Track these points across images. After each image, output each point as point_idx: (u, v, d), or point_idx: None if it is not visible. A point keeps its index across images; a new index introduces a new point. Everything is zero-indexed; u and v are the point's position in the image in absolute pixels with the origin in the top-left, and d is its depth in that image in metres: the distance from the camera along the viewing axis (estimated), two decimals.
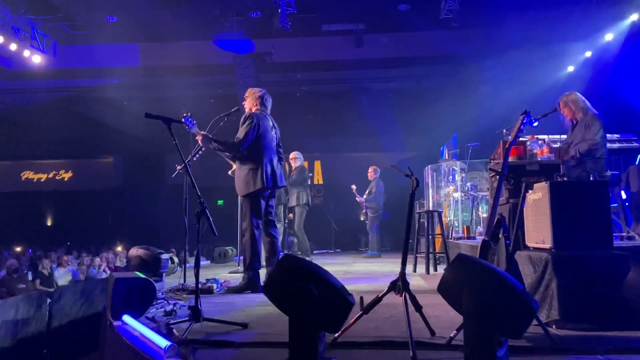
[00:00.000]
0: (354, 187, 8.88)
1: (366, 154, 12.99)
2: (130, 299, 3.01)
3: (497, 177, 3.83)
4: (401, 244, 9.69)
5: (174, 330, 2.61)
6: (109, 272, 8.50)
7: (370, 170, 8.88)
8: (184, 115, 3.98)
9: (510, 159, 3.32)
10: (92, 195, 14.64)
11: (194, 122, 4.07)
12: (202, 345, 2.40)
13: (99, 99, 11.02)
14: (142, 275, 3.20)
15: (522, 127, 2.55)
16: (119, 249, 10.41)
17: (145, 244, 4.00)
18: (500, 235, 2.66)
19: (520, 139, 3.16)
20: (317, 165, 13.83)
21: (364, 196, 8.67)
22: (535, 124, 2.60)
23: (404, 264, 2.51)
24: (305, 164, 7.38)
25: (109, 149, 14.38)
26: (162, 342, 2.28)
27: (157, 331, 2.51)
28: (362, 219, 8.99)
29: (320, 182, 13.44)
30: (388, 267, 6.65)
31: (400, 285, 2.42)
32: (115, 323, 2.91)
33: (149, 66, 9.98)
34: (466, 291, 1.64)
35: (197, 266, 2.75)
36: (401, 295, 2.42)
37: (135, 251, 3.70)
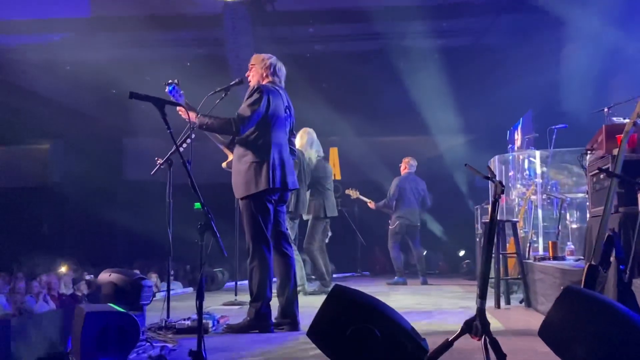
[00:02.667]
0: (354, 192, 8.98)
1: (403, 139, 13.04)
2: (105, 341, 3.16)
3: (602, 176, 3.92)
4: (454, 265, 9.96)
5: None
6: (51, 302, 8.68)
7: (402, 163, 8.97)
8: (169, 82, 4.07)
9: None
10: (20, 195, 14.82)
11: (182, 92, 4.17)
12: None
13: (31, 62, 11.17)
14: (120, 309, 3.34)
15: None
16: (63, 269, 10.58)
17: (97, 261, 4.13)
18: (612, 258, 2.75)
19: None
20: (333, 153, 13.89)
21: (384, 200, 8.81)
22: None
23: (482, 296, 2.61)
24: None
25: (44, 132, 14.50)
26: None
27: None
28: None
29: (338, 177, 13.52)
30: (438, 298, 6.75)
31: (478, 325, 2.52)
32: None
33: (103, 17, 10.12)
34: (581, 337, 1.74)
35: (199, 297, 2.87)
36: (479, 339, 2.53)
37: (107, 276, 3.85)
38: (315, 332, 1.89)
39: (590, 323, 1.77)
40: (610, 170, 3.10)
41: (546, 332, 1.88)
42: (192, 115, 4.13)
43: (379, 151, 12.16)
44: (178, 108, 4.01)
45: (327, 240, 7.60)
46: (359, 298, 1.90)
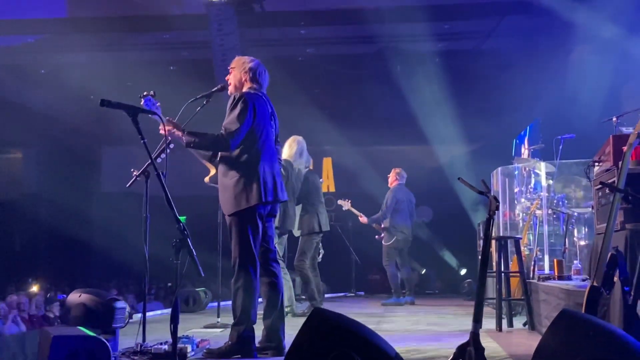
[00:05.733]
0: (346, 202, 8.98)
1: (401, 148, 13.08)
2: None
3: (607, 190, 3.93)
4: (455, 285, 9.91)
5: None
6: (21, 324, 8.65)
7: (391, 174, 8.99)
8: (144, 95, 4.08)
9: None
10: None
11: (158, 104, 4.17)
12: None
13: (3, 65, 11.18)
14: (90, 333, 3.33)
15: None
16: (34, 289, 10.57)
17: (73, 280, 4.14)
18: (616, 279, 2.76)
19: None
20: (327, 164, 13.91)
21: (379, 214, 8.80)
22: None
23: (477, 319, 2.62)
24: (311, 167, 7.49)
25: (17, 140, 14.49)
26: None
27: None
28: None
29: (332, 189, 13.53)
30: (437, 320, 6.74)
31: (472, 351, 2.52)
32: None
33: (81, 18, 10.15)
34: None
35: (174, 320, 2.87)
36: None
37: (77, 296, 3.83)
38: (293, 359, 1.89)
39: (587, 350, 1.78)
40: (614, 183, 3.12)
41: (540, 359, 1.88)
42: (179, 133, 4.12)
43: (375, 162, 12.16)
44: (160, 128, 4.03)
45: (319, 259, 7.58)
46: (339, 322, 1.90)
